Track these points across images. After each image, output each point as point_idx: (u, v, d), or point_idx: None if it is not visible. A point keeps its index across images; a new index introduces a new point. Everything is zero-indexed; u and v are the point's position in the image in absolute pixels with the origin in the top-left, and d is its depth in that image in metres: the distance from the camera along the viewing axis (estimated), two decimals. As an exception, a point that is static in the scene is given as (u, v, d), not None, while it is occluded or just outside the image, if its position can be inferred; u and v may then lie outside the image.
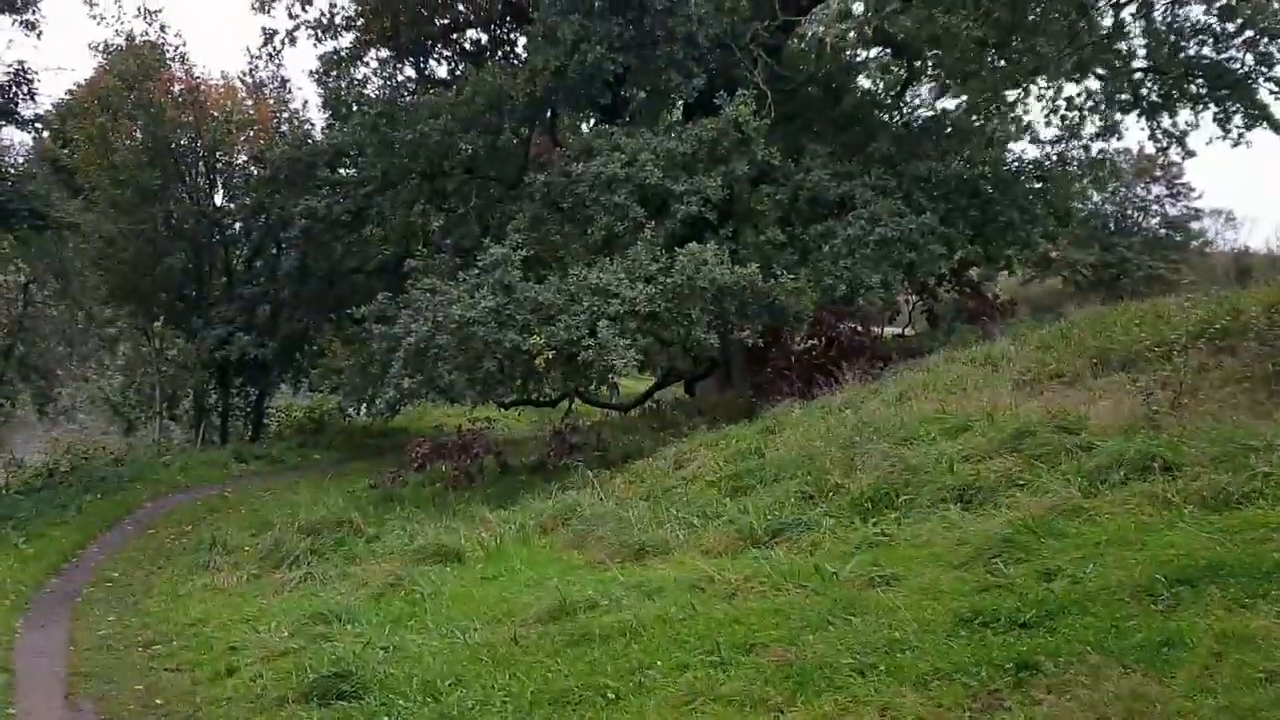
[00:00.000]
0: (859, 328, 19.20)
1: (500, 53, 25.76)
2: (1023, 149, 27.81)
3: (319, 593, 11.24)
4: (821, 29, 25.31)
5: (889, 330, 28.64)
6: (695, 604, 7.93)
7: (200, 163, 27.54)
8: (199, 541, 15.06)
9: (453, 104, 20.93)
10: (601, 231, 18.48)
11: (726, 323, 17.96)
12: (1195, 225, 49.29)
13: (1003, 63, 23.97)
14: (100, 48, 26.30)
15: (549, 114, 23.20)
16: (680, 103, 22.16)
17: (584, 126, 24.53)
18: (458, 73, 25.22)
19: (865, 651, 6.24)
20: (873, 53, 26.28)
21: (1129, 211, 46.76)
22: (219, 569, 13.29)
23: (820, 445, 11.67)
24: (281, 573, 12.50)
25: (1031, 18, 21.98)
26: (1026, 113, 25.78)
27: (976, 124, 24.13)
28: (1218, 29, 21.87)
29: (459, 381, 17.05)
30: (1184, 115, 24.29)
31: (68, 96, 27.75)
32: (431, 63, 26.29)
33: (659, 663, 6.81)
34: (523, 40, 24.26)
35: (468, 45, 26.60)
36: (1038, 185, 22.99)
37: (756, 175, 19.79)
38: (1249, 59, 22.48)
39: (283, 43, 25.19)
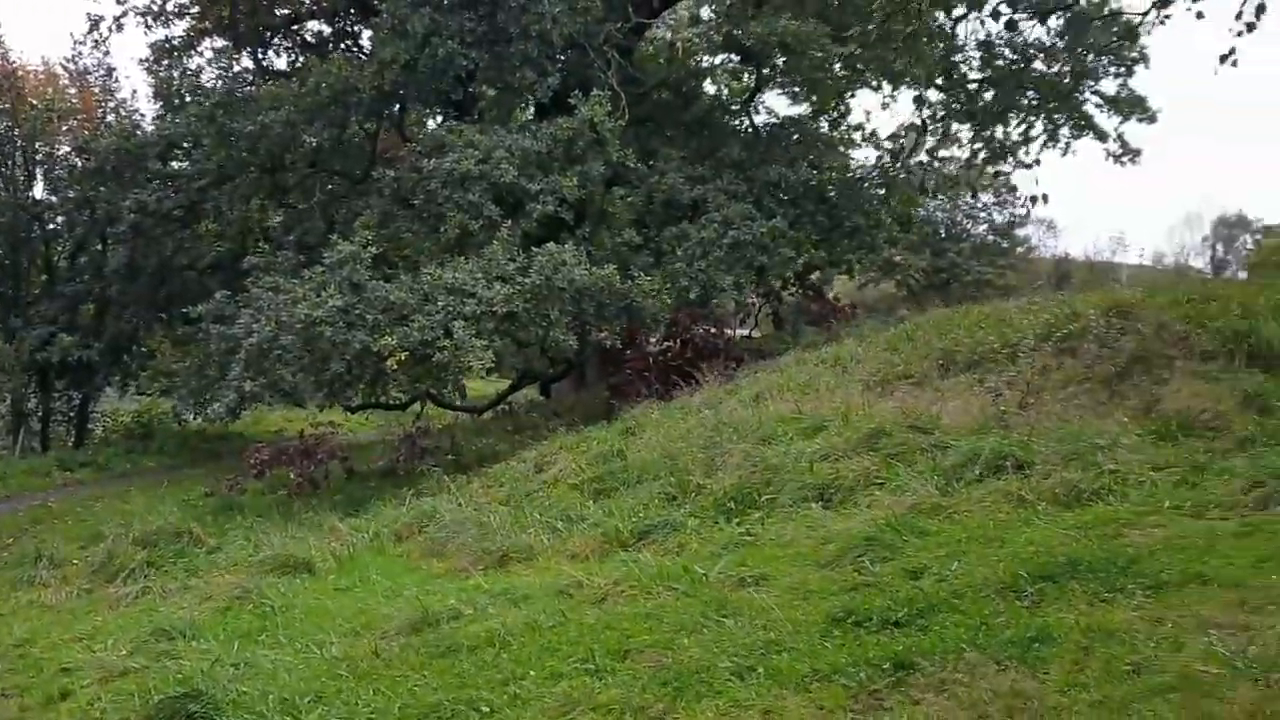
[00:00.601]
0: (714, 329, 19.38)
1: (344, 46, 25.03)
2: (866, 156, 28.63)
3: (159, 607, 10.60)
4: (670, 33, 25.51)
5: (737, 332, 29.06)
6: (565, 610, 7.77)
7: (18, 153, 25.95)
8: (22, 555, 14.05)
9: (296, 95, 20.18)
10: (455, 230, 18.11)
11: (585, 324, 17.87)
12: (1020, 232, 51.82)
13: (845, 71, 24.66)
14: (-96, 27, 24.44)
15: (398, 108, 22.62)
16: (533, 101, 21.98)
17: (430, 123, 24.06)
18: (298, 65, 24.39)
19: (742, 654, 6.19)
20: (720, 59, 26.59)
21: (959, 218, 48.76)
22: (46, 584, 12.42)
23: (681, 446, 11.68)
24: (116, 587, 11.77)
25: (873, 26, 22.66)
26: (870, 121, 26.55)
27: (823, 131, 24.71)
28: (1048, 44, 23.01)
29: (304, 384, 16.47)
30: (1016, 125, 25.39)
31: None
32: (271, 54, 25.38)
33: (532, 672, 6.62)
34: (367, 34, 23.63)
35: (309, 37, 25.78)
36: (880, 192, 23.68)
37: (611, 177, 19.78)
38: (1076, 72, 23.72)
39: (109, 29, 23.89)
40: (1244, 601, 5.77)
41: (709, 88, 26.61)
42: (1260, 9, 5.07)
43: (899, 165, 25.43)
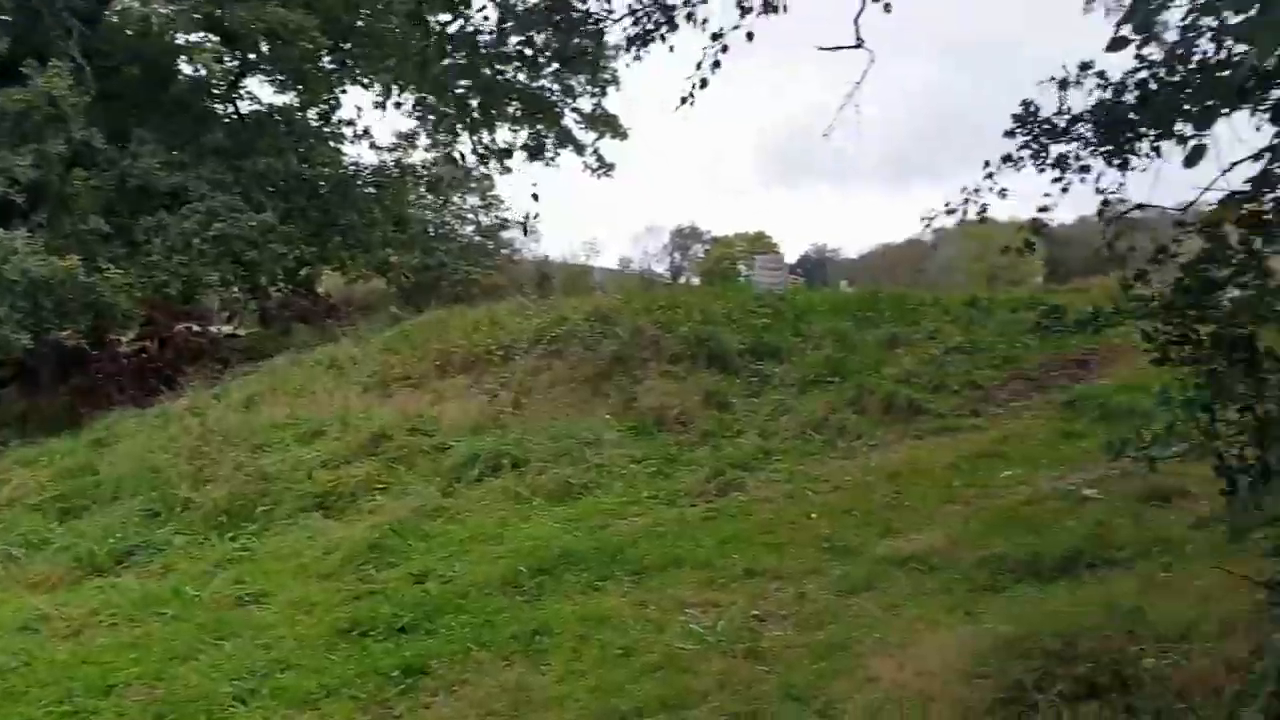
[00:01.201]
0: (197, 328, 18.15)
1: None
2: (359, 153, 28.27)
3: None
4: (138, 4, 23.45)
5: (223, 330, 27.43)
6: (31, 648, 6.91)
7: None
8: None
9: None
10: None
11: (42, 321, 15.89)
12: (505, 235, 53.91)
13: (334, 65, 24.20)
14: None
15: None
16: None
17: None
18: None
19: (244, 676, 5.95)
20: (198, 37, 24.85)
21: (447, 219, 49.72)
22: None
23: (164, 457, 10.84)
24: None
25: (361, 23, 22.53)
26: (361, 118, 26.12)
27: (314, 124, 24.03)
28: (529, 56, 24.02)
29: None
30: (503, 133, 26.31)
31: None
32: None
33: (-6, 724, 5.84)
34: None
35: None
36: (373, 190, 23.51)
37: (74, 157, 17.75)
38: (557, 88, 25.11)
39: None
40: (713, 580, 6.54)
41: (187, 68, 24.79)
42: (715, 65, 5.78)
43: (394, 164, 25.41)
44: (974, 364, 12.03)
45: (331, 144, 24.20)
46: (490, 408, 10.69)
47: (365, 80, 24.74)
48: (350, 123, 25.14)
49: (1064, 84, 4.45)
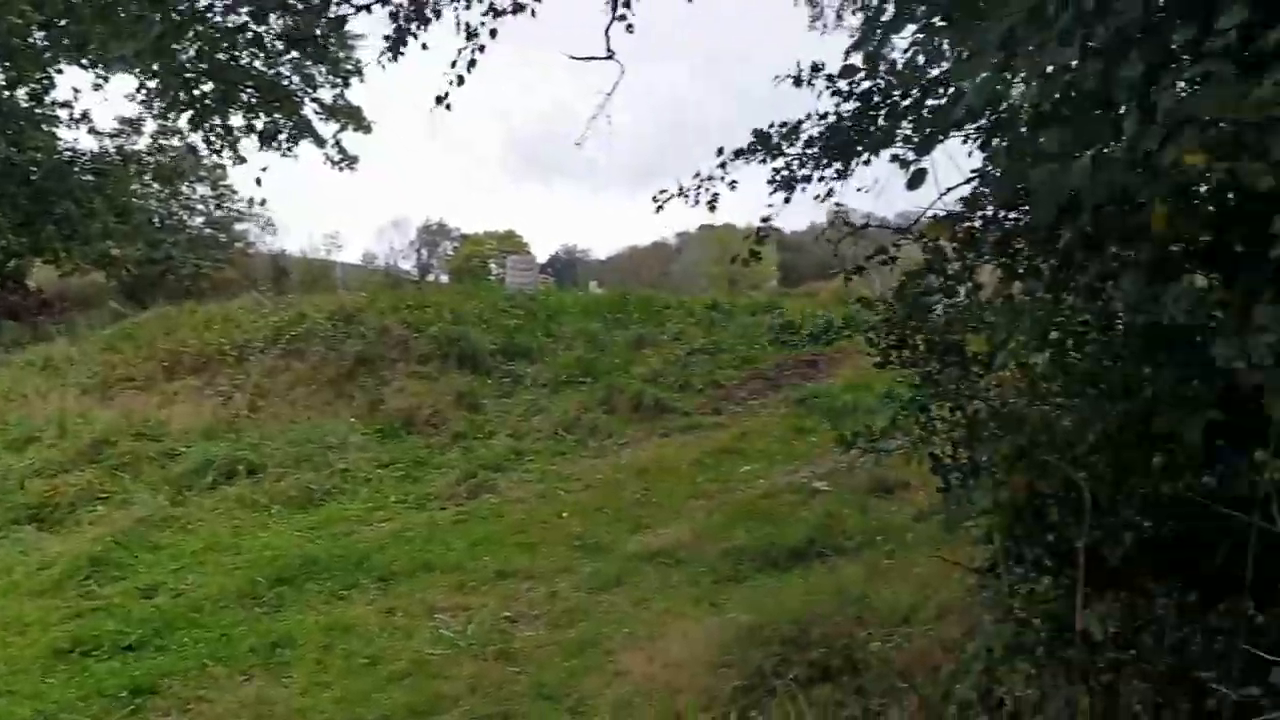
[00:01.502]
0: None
1: None
2: (77, 138, 26.15)
3: None
4: None
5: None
6: None
7: None
8: None
9: None
10: None
11: None
12: (239, 227, 51.28)
13: (48, 42, 22.38)
14: None
15: None
16: None
17: None
18: None
19: (-64, 710, 5.42)
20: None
21: (174, 209, 46.82)
22: None
23: None
24: None
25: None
26: (79, 100, 24.24)
27: (25, 105, 22.08)
28: (268, 43, 22.98)
29: None
30: (236, 120, 25.01)
31: None
32: None
33: None
34: None
35: None
36: (92, 178, 21.90)
37: None
38: (296, 77, 24.11)
39: None
40: (463, 584, 6.51)
41: None
42: (471, 64, 5.78)
43: (116, 151, 23.73)
44: (716, 364, 12.54)
45: (45, 127, 22.33)
46: (224, 411, 10.20)
47: (85, 60, 22.97)
48: (67, 105, 23.31)
49: (798, 81, 4.71)
